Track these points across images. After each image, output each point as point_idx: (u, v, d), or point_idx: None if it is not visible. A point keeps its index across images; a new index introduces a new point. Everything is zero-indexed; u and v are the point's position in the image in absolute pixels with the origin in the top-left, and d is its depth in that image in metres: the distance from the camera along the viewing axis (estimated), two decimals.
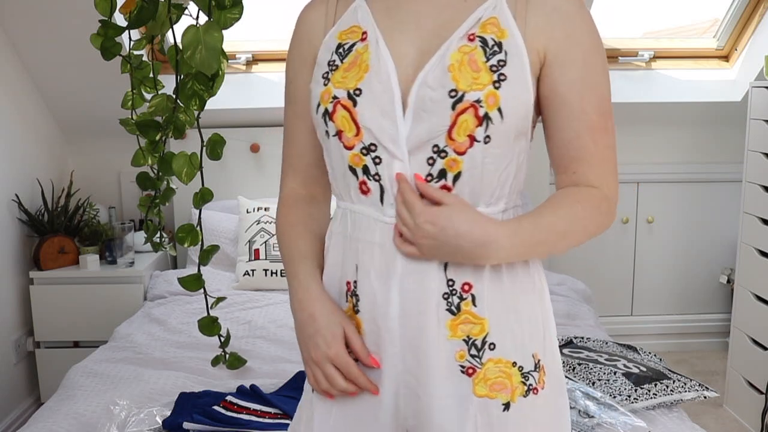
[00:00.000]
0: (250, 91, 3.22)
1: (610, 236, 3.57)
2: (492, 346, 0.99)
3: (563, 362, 2.03)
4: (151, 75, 2.04)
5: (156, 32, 1.85)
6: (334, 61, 1.03)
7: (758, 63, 3.14)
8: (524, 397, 1.00)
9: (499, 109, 0.94)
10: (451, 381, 1.00)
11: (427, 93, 0.96)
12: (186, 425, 1.76)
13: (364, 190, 1.01)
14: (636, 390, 1.89)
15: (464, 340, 0.99)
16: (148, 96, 2.07)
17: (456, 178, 0.97)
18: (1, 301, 2.80)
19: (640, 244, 3.60)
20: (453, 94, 0.94)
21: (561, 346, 2.24)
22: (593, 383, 1.93)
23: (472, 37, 0.97)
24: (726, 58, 3.39)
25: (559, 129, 1.02)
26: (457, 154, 0.96)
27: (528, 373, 1.01)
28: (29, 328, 2.97)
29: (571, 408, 1.79)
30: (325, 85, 1.02)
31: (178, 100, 1.86)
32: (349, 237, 1.04)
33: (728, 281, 3.55)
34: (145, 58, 2.10)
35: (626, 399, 1.86)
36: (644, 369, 2.02)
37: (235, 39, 3.18)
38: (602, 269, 3.59)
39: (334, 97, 1.00)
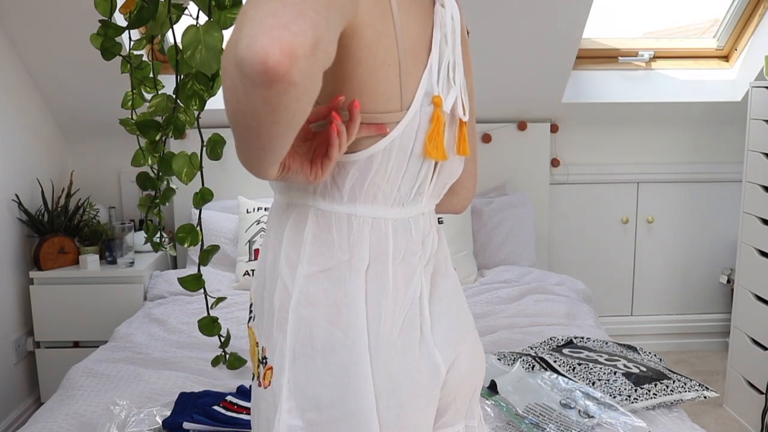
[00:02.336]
0: None
1: (610, 236, 3.58)
2: (253, 317, 1.05)
3: (563, 362, 2.03)
4: (151, 75, 2.03)
5: (156, 32, 1.85)
6: None
7: (758, 63, 3.14)
8: (256, 378, 1.02)
9: None
10: None
11: None
12: (186, 425, 1.76)
13: None
14: (636, 390, 1.89)
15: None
16: (148, 96, 2.07)
17: None
18: (1, 301, 2.80)
19: (640, 244, 3.60)
20: None
21: (561, 346, 2.24)
22: (593, 383, 1.93)
23: None
24: (726, 58, 3.40)
25: None
26: None
27: (260, 359, 1.01)
28: (29, 328, 2.97)
29: (571, 408, 1.80)
30: None
31: (178, 100, 1.86)
32: None
33: (728, 281, 3.55)
34: (145, 58, 2.10)
35: (626, 399, 1.86)
36: (644, 369, 2.02)
37: None
38: (602, 269, 3.60)
39: None
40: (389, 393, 0.96)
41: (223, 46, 1.66)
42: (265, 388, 0.99)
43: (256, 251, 2.96)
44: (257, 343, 1.02)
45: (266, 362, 0.99)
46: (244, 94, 0.70)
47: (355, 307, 0.95)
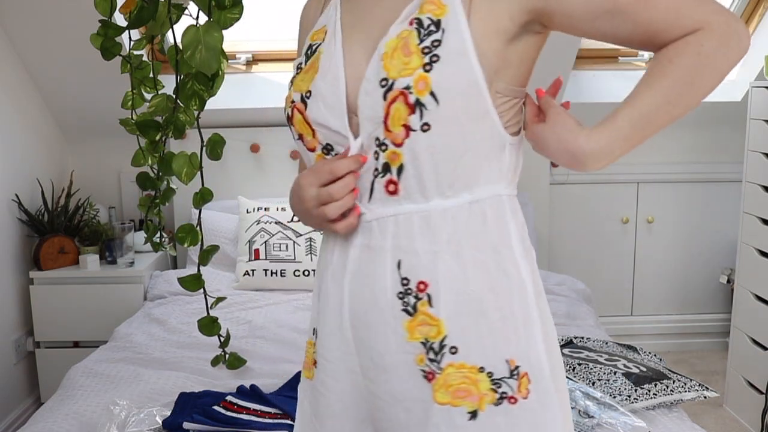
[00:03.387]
0: (250, 91, 3.22)
1: (610, 236, 3.58)
2: (453, 350, 0.93)
3: (563, 362, 2.03)
4: (151, 75, 2.03)
5: (156, 32, 1.85)
6: (300, 63, 1.03)
7: (758, 63, 3.14)
8: (496, 405, 0.92)
9: (432, 93, 0.88)
10: (413, 384, 0.95)
11: (364, 86, 0.94)
12: (186, 425, 1.76)
13: None
14: (636, 390, 1.89)
15: (422, 342, 0.93)
16: (148, 96, 2.07)
17: (399, 171, 0.93)
18: (1, 301, 2.80)
19: (640, 244, 3.60)
20: (384, 83, 0.91)
21: (561, 346, 2.23)
22: (593, 383, 1.93)
23: (412, 21, 0.92)
24: None
25: (617, 35, 0.91)
26: (395, 145, 0.92)
27: (500, 380, 0.93)
28: (29, 328, 2.97)
29: (571, 408, 1.80)
30: (290, 89, 1.03)
31: (178, 100, 1.86)
32: (325, 239, 1.07)
33: (728, 281, 3.55)
34: (145, 58, 2.11)
35: (626, 399, 1.86)
36: (644, 369, 2.02)
37: (235, 39, 3.18)
38: (602, 269, 3.59)
39: (292, 101, 1.01)
40: None
41: (223, 47, 1.66)
42: (525, 398, 0.94)
43: (257, 251, 2.95)
44: (480, 368, 0.93)
45: (517, 372, 0.93)
46: (728, 69, 0.94)
47: (540, 279, 1.02)
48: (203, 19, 1.67)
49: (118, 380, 2.09)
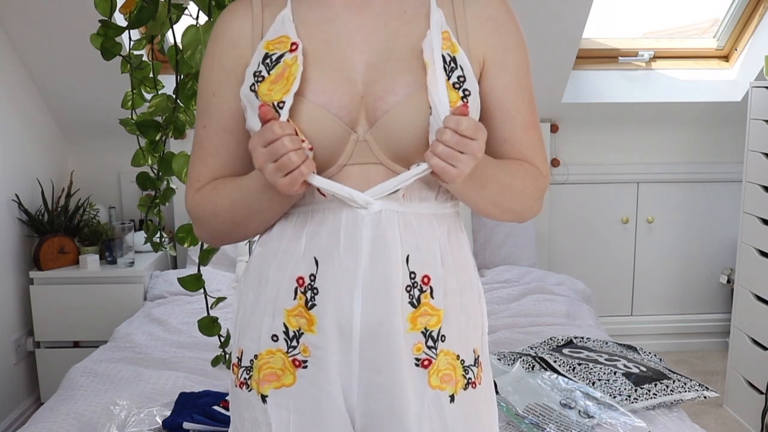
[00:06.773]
0: None
1: (610, 236, 3.58)
2: (443, 338, 1.02)
3: (563, 362, 2.04)
4: (151, 75, 2.03)
5: (156, 32, 1.85)
6: (260, 71, 1.01)
7: (758, 63, 3.14)
8: (464, 390, 1.04)
9: None
10: (409, 374, 1.00)
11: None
12: (186, 425, 1.76)
13: (323, 193, 0.99)
14: (636, 390, 1.89)
15: (422, 332, 1.00)
16: (148, 96, 2.07)
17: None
18: (1, 301, 2.80)
19: (640, 244, 3.60)
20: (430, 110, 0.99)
21: (561, 346, 2.24)
22: (593, 383, 1.93)
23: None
24: (726, 58, 3.40)
25: (494, 129, 1.06)
26: None
27: (468, 367, 1.04)
28: (29, 328, 2.97)
29: (571, 408, 1.80)
30: (256, 96, 1.00)
31: (178, 100, 1.86)
32: (311, 233, 1.01)
33: (728, 281, 3.55)
34: (145, 58, 2.10)
35: (626, 399, 1.86)
36: (644, 369, 2.02)
37: None
38: (602, 269, 3.59)
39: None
40: None
41: None
42: (480, 384, 1.06)
43: None
44: (457, 356, 1.04)
45: (478, 361, 1.07)
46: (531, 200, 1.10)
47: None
48: (203, 19, 1.67)
49: (118, 380, 2.09)
